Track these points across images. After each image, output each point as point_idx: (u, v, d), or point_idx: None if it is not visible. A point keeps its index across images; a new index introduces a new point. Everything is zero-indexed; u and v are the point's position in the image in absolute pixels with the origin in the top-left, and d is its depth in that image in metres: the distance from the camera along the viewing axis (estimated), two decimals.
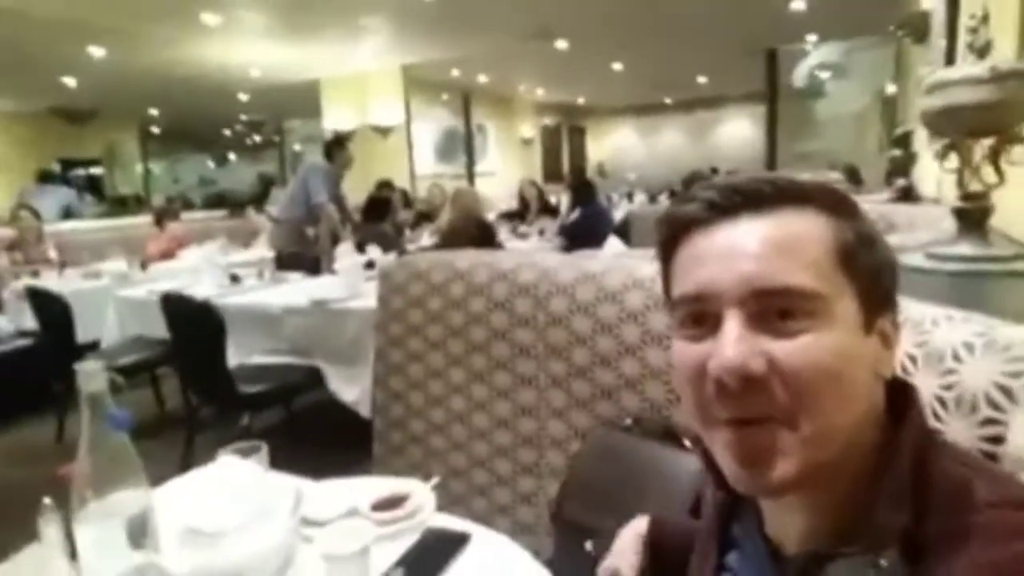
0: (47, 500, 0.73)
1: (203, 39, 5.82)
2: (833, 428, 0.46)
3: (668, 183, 9.04)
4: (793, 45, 8.31)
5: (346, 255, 3.14)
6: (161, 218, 5.25)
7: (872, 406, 0.49)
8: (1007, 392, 0.58)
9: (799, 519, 0.51)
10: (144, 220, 5.90)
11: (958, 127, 1.07)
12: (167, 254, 4.75)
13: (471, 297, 1.46)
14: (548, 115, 12.76)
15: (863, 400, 0.47)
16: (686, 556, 0.67)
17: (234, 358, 2.50)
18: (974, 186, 1.08)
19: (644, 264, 1.28)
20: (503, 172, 10.56)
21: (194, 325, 2.41)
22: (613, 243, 3.83)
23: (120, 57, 6.20)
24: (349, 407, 2.44)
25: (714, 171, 7.61)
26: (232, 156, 13.59)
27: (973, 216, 1.10)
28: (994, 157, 1.06)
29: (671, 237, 0.53)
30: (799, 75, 9.21)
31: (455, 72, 8.53)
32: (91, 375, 0.68)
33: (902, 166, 3.03)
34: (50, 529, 0.73)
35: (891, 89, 6.48)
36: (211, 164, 13.39)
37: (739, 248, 0.48)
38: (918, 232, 1.51)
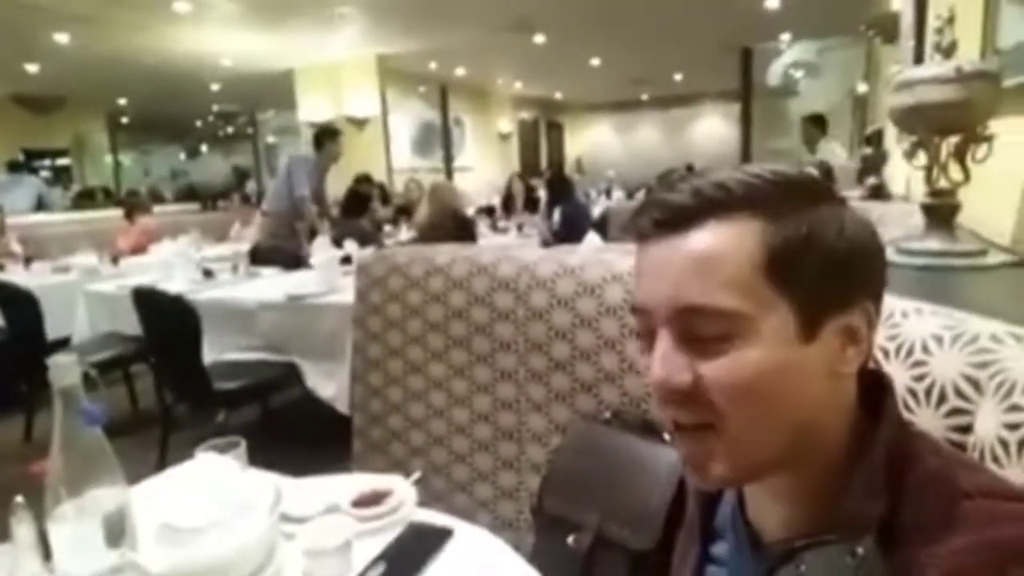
0: (19, 499, 0.71)
1: (173, 26, 5.68)
2: (761, 435, 0.48)
3: (645, 180, 9.10)
4: (768, 44, 8.43)
5: (322, 250, 3.11)
6: (132, 211, 5.13)
7: (833, 399, 0.50)
8: (974, 383, 0.60)
9: (778, 509, 0.52)
10: (114, 213, 5.76)
11: (925, 125, 1.10)
12: (138, 248, 4.65)
13: (450, 291, 1.46)
14: (525, 109, 12.75)
15: (805, 401, 0.48)
16: None
17: (209, 354, 2.46)
18: (941, 183, 1.12)
19: (622, 259, 1.29)
20: (480, 167, 10.53)
21: (168, 320, 2.37)
22: (592, 239, 3.85)
23: (86, 44, 6.02)
24: (327, 403, 2.42)
25: (689, 168, 7.68)
26: (204, 148, 13.34)
27: (941, 212, 1.13)
28: (960, 155, 1.09)
29: (637, 245, 0.54)
30: (773, 73, 9.33)
31: (432, 64, 8.47)
32: (64, 369, 0.67)
33: (873, 164, 3.10)
34: (22, 528, 0.71)
35: (862, 88, 6.61)
36: (183, 156, 13.13)
37: (667, 268, 0.49)
38: (888, 228, 1.55)
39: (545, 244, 4.22)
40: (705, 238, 0.48)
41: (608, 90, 11.82)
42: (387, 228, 4.87)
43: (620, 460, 1.06)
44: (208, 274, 3.21)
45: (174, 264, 3.27)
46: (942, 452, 0.50)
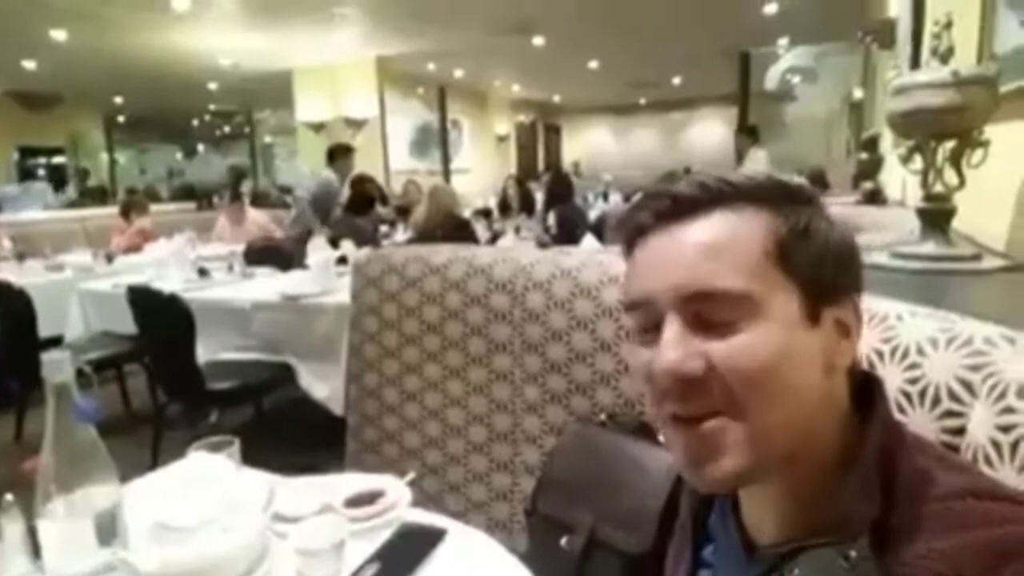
0: (8, 496, 0.70)
1: (171, 25, 5.67)
2: (776, 421, 0.47)
3: (642, 184, 9.10)
4: (766, 48, 8.46)
5: (318, 250, 3.10)
6: (128, 210, 5.11)
7: (829, 397, 0.50)
8: (967, 385, 0.60)
9: (772, 512, 0.52)
10: (109, 212, 5.73)
11: (922, 129, 1.10)
12: (133, 247, 4.63)
13: (447, 292, 1.46)
14: (523, 112, 12.77)
15: (809, 391, 0.48)
16: None
17: (202, 354, 2.45)
18: (937, 188, 1.12)
19: (619, 261, 1.28)
20: (478, 169, 10.54)
21: (162, 319, 2.36)
22: (589, 241, 3.85)
23: (84, 42, 6.01)
24: (321, 404, 2.41)
25: (687, 172, 7.71)
26: (201, 147, 13.31)
27: (936, 217, 1.13)
28: (956, 160, 1.09)
29: (627, 244, 0.55)
30: (771, 78, 9.37)
31: (431, 66, 8.47)
32: (57, 365, 0.67)
33: (869, 169, 3.11)
34: (11, 526, 0.70)
35: (859, 94, 6.64)
36: (179, 155, 13.10)
37: (670, 256, 0.49)
38: (884, 233, 1.55)
39: (542, 246, 4.21)
40: (714, 225, 0.49)
41: (606, 93, 11.85)
42: (384, 228, 4.86)
43: (615, 462, 1.06)
44: (203, 273, 3.20)
45: (169, 263, 3.26)
46: (933, 453, 0.50)
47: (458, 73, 9.21)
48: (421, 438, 1.52)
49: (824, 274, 0.49)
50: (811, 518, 0.49)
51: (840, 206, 2.61)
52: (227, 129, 12.82)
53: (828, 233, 0.50)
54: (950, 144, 1.09)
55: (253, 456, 0.96)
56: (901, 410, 0.64)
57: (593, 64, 8.93)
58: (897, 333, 0.69)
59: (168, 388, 2.54)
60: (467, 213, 5.35)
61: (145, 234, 4.82)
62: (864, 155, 3.17)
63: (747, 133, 5.49)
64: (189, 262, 3.31)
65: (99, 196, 8.70)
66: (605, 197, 8.54)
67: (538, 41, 7.03)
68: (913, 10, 2.42)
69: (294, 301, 2.52)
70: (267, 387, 2.56)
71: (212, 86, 8.90)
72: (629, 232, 0.54)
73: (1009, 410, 0.54)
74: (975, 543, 0.40)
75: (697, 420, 0.48)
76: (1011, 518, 0.42)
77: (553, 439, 1.30)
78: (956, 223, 1.18)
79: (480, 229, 4.71)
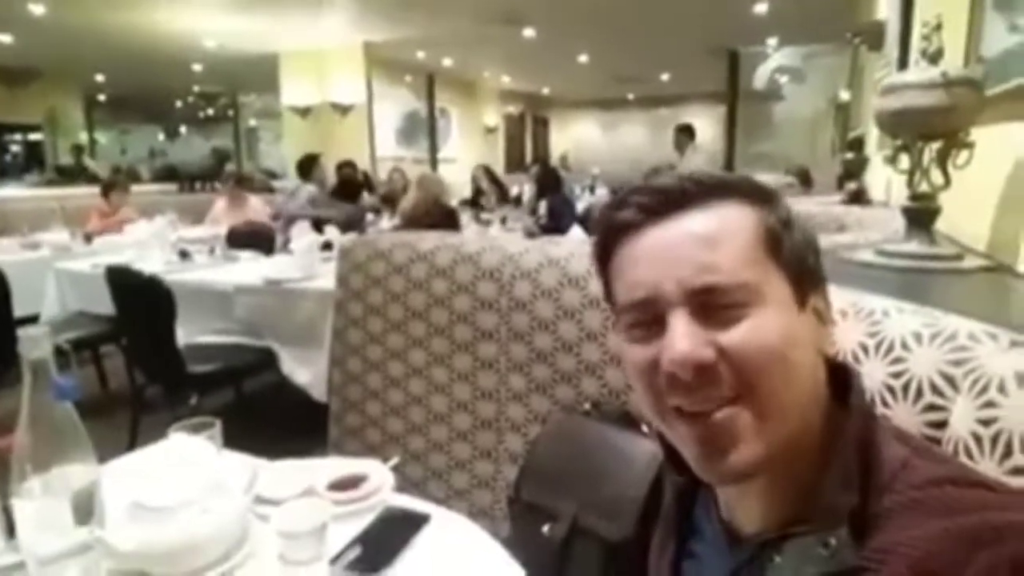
0: None
1: (156, 3, 5.55)
2: (786, 404, 0.48)
3: (628, 178, 9.10)
4: (754, 48, 8.50)
5: (302, 234, 3.07)
6: (108, 190, 5.00)
7: (817, 384, 0.51)
8: (950, 380, 0.61)
9: (755, 503, 0.53)
10: (88, 191, 5.61)
11: (910, 129, 1.12)
12: (113, 227, 4.54)
13: (433, 279, 1.45)
14: (512, 103, 12.71)
15: (809, 376, 0.50)
16: None
17: (182, 337, 2.42)
18: (923, 188, 1.13)
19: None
20: (465, 159, 10.48)
21: (141, 300, 2.32)
22: (576, 232, 3.86)
23: (62, 16, 5.84)
24: (302, 390, 2.39)
25: (671, 168, 7.76)
26: (184, 129, 13.09)
27: (921, 216, 1.15)
28: (942, 160, 1.11)
29: (606, 243, 0.55)
30: (759, 77, 9.42)
31: (420, 53, 8.39)
32: (35, 341, 0.65)
33: (854, 169, 3.15)
34: None
35: (845, 96, 6.70)
36: (161, 136, 12.87)
37: (674, 249, 0.50)
38: (868, 231, 1.57)
39: (530, 236, 4.21)
40: (710, 217, 0.50)
41: (595, 87, 11.84)
42: (369, 216, 4.81)
43: (598, 451, 1.07)
44: (184, 255, 3.16)
45: (150, 244, 3.20)
46: (911, 442, 0.51)
47: (447, 62, 9.13)
48: (404, 424, 1.51)
49: (806, 262, 0.52)
50: (793, 508, 0.49)
51: (824, 205, 2.64)
52: (211, 111, 12.61)
53: (801, 227, 0.53)
54: (936, 144, 1.11)
55: (233, 441, 0.95)
56: (885, 404, 0.65)
57: (583, 57, 8.91)
58: (882, 328, 0.70)
59: (147, 370, 2.51)
60: (453, 203, 5.32)
61: (126, 213, 4.72)
62: (849, 155, 3.20)
63: (684, 131, 5.72)
64: (170, 244, 3.26)
65: (76, 176, 8.52)
66: (592, 190, 8.56)
67: (528, 33, 6.99)
68: (902, 12, 2.45)
69: (277, 285, 2.49)
70: (248, 371, 2.53)
71: (196, 67, 8.73)
72: (610, 231, 0.54)
73: (990, 404, 0.55)
74: (952, 530, 0.41)
75: (707, 412, 0.48)
76: (987, 505, 0.42)
77: (537, 428, 1.30)
78: (937, 223, 1.20)
79: (465, 219, 4.69)
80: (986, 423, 0.55)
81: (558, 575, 0.99)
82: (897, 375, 0.65)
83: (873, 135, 3.17)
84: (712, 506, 0.58)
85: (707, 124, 12.26)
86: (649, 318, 0.50)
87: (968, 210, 1.33)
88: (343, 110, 7.87)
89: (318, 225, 3.38)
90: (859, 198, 2.84)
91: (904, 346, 0.66)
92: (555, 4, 5.98)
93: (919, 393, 0.62)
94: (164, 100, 11.94)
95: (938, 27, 1.13)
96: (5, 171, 9.15)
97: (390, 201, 5.22)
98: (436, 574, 0.78)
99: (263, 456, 1.04)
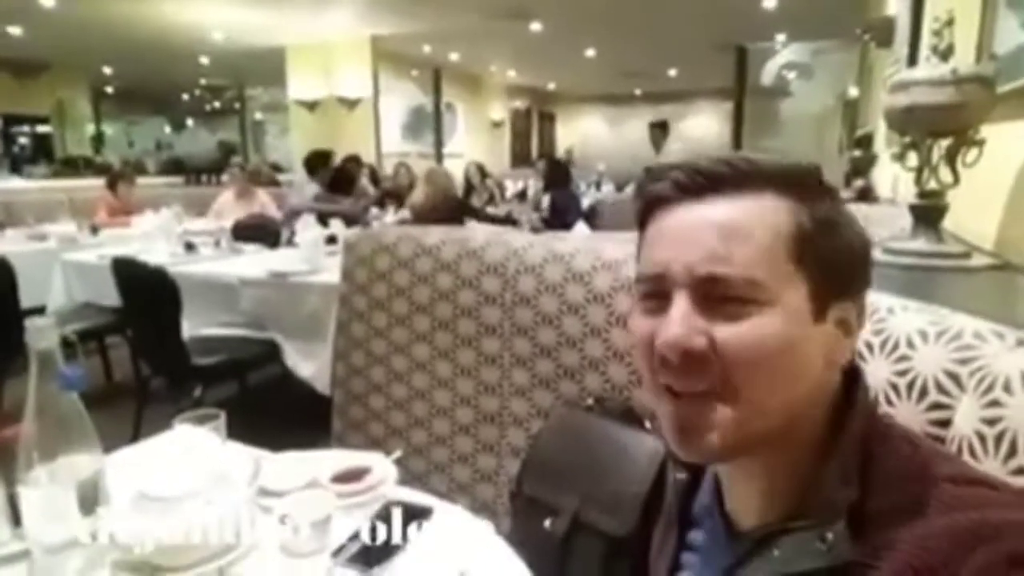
0: None
1: None
2: (768, 408, 0.48)
3: (633, 174, 9.10)
4: (763, 43, 8.45)
5: (308, 228, 3.08)
6: (115, 182, 5.02)
7: (820, 389, 0.50)
8: (955, 378, 0.60)
9: (755, 498, 0.53)
10: (95, 183, 5.63)
11: (919, 126, 1.11)
12: (119, 219, 4.56)
13: (438, 273, 1.45)
14: (518, 98, 12.69)
15: (803, 383, 0.49)
16: None
17: (187, 329, 2.43)
18: (931, 185, 1.12)
19: (612, 246, 1.29)
20: (471, 153, 10.47)
21: (147, 292, 2.33)
22: (581, 228, 3.86)
23: (72, 9, 5.87)
24: (306, 383, 2.40)
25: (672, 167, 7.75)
26: (190, 121, 13.12)
27: (929, 214, 1.14)
28: (951, 158, 1.10)
29: (643, 212, 0.55)
30: (767, 74, 9.38)
31: (426, 48, 8.38)
32: (42, 331, 0.65)
33: (862, 166, 3.13)
34: None
35: (853, 92, 6.66)
36: (168, 129, 12.91)
37: (693, 233, 0.49)
38: (875, 229, 1.56)
39: (534, 231, 4.21)
40: (739, 208, 0.49)
41: (601, 82, 11.79)
42: (374, 211, 4.82)
43: (600, 446, 1.07)
44: (190, 247, 3.17)
45: (155, 236, 3.21)
46: (913, 440, 0.51)
47: (453, 56, 9.12)
48: (407, 418, 1.51)
49: (835, 271, 0.50)
50: (793, 503, 0.49)
51: None
52: (217, 104, 12.65)
53: (844, 229, 0.50)
54: (946, 142, 1.10)
55: (237, 433, 0.95)
56: (889, 402, 0.65)
57: (590, 52, 8.88)
58: (887, 326, 0.70)
59: (152, 362, 2.52)
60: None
61: (132, 204, 4.72)
62: (857, 152, 3.18)
63: (659, 127, 5.69)
64: (175, 236, 3.27)
65: (75, 166, 8.55)
66: (598, 186, 8.54)
67: (535, 27, 6.97)
68: (912, 8, 2.42)
69: (282, 278, 2.50)
70: (252, 363, 2.54)
71: (204, 60, 8.76)
72: (647, 201, 0.54)
73: (995, 403, 0.55)
74: (949, 527, 0.41)
75: (690, 395, 0.49)
76: (988, 503, 0.42)
77: (540, 422, 1.30)
78: (944, 221, 1.19)
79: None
80: (991, 422, 0.55)
81: (560, 570, 0.99)
82: (902, 373, 0.65)
83: (881, 132, 3.15)
84: (715, 500, 0.58)
85: (714, 120, 12.23)
86: (658, 293, 0.51)
87: (976, 208, 1.32)
88: (350, 104, 7.87)
89: (323, 219, 3.38)
90: (866, 195, 2.83)
91: (909, 344, 0.66)
92: None
93: (924, 392, 0.62)
94: (171, 93, 11.98)
95: (949, 23, 1.12)
96: (15, 162, 9.20)
97: (395, 196, 5.23)
98: (438, 568, 0.78)
99: (268, 448, 1.04)
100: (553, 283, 1.31)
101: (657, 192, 0.52)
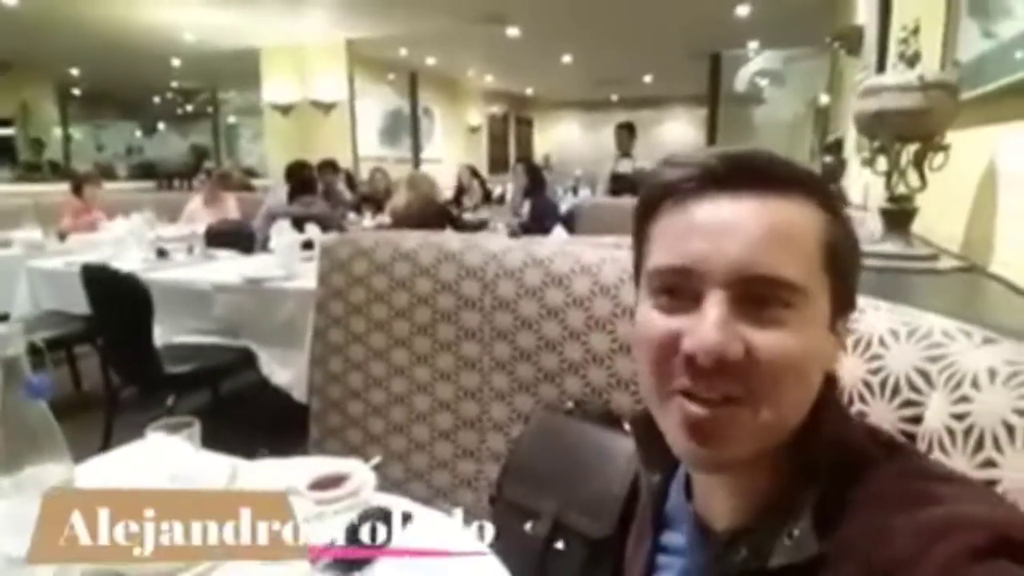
0: None
1: None
2: (785, 416, 0.48)
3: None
4: (736, 51, 8.60)
5: (283, 233, 3.04)
6: (80, 186, 4.89)
7: (812, 399, 0.51)
8: (925, 376, 0.62)
9: (726, 498, 0.53)
10: (62, 188, 5.49)
11: (888, 131, 1.14)
12: (87, 225, 4.45)
13: (416, 278, 1.44)
14: (496, 103, 12.71)
15: (814, 394, 0.49)
16: None
17: (159, 337, 2.38)
18: (900, 189, 1.15)
19: (591, 250, 1.30)
20: (449, 159, 10.46)
21: (118, 299, 2.28)
22: (559, 232, 3.87)
23: (36, 7, 5.72)
24: (282, 390, 2.37)
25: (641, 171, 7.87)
26: (161, 125, 12.88)
27: (898, 217, 1.17)
28: (918, 162, 1.13)
29: (656, 200, 0.51)
30: (740, 80, 9.54)
31: (403, 51, 8.35)
32: (6, 338, 0.63)
33: (832, 172, 3.19)
34: None
35: (824, 99, 6.80)
36: (138, 133, 12.65)
37: (737, 228, 0.46)
38: None
39: (513, 235, 4.22)
40: (793, 210, 0.47)
41: (578, 88, 11.89)
42: (351, 216, 4.78)
43: (580, 449, 1.07)
44: (162, 254, 3.11)
45: (126, 242, 3.15)
46: (880, 437, 0.52)
47: (430, 60, 9.11)
48: (386, 424, 1.50)
49: (850, 283, 0.50)
50: (761, 502, 0.50)
51: None
52: (190, 107, 12.43)
53: (855, 241, 0.51)
54: (913, 147, 1.13)
55: (212, 442, 0.93)
56: (863, 400, 0.66)
57: (566, 58, 8.94)
58: (860, 326, 0.71)
59: (122, 371, 2.46)
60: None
61: (100, 210, 4.60)
62: (828, 158, 3.25)
63: (626, 129, 5.85)
64: (147, 242, 3.20)
65: (49, 172, 8.33)
66: (575, 191, 8.58)
67: (512, 32, 7.00)
68: (880, 17, 2.49)
69: (257, 284, 2.46)
70: (227, 371, 2.50)
71: (175, 62, 8.60)
72: (663, 189, 0.50)
73: (963, 399, 0.56)
74: (910, 522, 0.42)
75: (711, 401, 0.46)
76: (947, 498, 0.43)
77: (520, 427, 1.30)
78: (913, 225, 1.22)
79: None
80: (959, 417, 0.56)
81: (541, 573, 0.99)
82: (875, 372, 0.66)
83: (851, 138, 3.22)
84: (686, 501, 0.59)
85: (688, 126, 12.39)
86: (682, 289, 0.47)
87: (943, 212, 1.35)
88: (325, 108, 7.80)
89: (298, 224, 3.34)
90: None
91: (882, 343, 0.67)
92: (538, 3, 5.99)
93: (896, 390, 0.64)
94: (142, 95, 11.74)
95: (915, 31, 1.15)
96: None
97: (372, 201, 5.20)
98: (417, 573, 0.77)
99: (243, 457, 1.02)
100: (532, 287, 1.31)
101: (681, 178, 0.48)
